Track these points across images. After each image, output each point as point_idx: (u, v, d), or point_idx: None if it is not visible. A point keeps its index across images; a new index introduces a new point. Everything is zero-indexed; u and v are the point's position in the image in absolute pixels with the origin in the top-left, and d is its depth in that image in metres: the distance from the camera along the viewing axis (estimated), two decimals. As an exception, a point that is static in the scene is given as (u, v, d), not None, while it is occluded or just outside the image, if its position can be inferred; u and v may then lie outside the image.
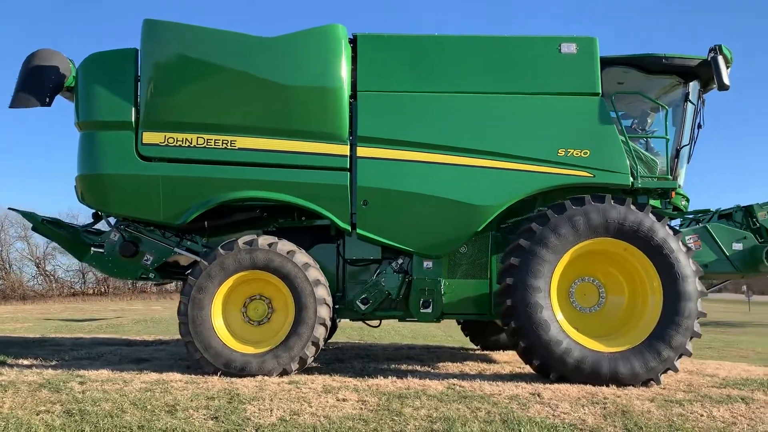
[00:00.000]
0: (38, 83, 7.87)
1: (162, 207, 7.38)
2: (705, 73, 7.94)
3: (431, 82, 7.61)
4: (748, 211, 8.17)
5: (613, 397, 6.10)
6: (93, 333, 14.69)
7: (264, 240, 7.04)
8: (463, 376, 7.40)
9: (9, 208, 8.77)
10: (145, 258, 7.77)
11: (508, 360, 9.03)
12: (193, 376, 6.71)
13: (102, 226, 9.03)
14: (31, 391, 5.78)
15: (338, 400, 5.81)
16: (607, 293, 7.34)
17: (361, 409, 5.58)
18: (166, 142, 7.40)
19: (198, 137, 7.40)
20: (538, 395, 6.14)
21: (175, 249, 7.78)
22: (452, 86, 7.60)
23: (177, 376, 6.67)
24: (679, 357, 6.81)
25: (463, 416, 5.42)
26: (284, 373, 6.88)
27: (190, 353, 6.93)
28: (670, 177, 7.82)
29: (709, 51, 7.66)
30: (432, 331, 16.11)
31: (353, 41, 7.68)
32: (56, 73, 7.99)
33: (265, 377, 6.76)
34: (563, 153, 7.46)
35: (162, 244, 7.79)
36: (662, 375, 6.81)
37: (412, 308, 7.65)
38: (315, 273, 7.04)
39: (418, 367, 8.20)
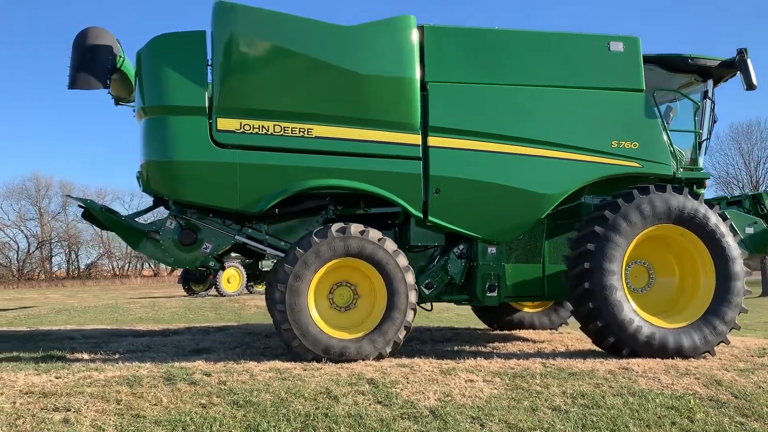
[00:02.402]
0: (97, 63, 7.50)
1: (239, 195, 7.25)
2: (722, 73, 8.80)
3: (495, 74, 7.91)
4: (756, 198, 9.13)
5: (693, 369, 6.76)
6: (15, 325, 13.93)
7: (355, 228, 7.11)
8: (538, 354, 7.84)
9: (67, 196, 8.22)
10: (204, 246, 7.61)
11: (535, 337, 9.60)
12: (293, 363, 6.69)
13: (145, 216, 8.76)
14: (166, 384, 5.61)
15: (467, 381, 6.07)
16: (656, 275, 8.03)
17: (496, 388, 5.89)
18: (242, 129, 7.26)
19: (275, 125, 7.31)
20: (627, 369, 6.69)
21: (236, 237, 7.67)
22: (515, 79, 7.94)
23: (282, 364, 6.63)
24: (730, 330, 7.61)
25: (594, 391, 5.86)
26: (379, 357, 7.02)
27: (287, 341, 6.91)
28: (697, 168, 8.64)
29: (738, 53, 8.47)
30: (440, 314, 16.41)
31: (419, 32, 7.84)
32: (111, 53, 7.63)
33: (362, 362, 6.87)
34: (616, 144, 8.04)
35: (222, 232, 7.65)
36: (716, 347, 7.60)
37: (478, 292, 7.98)
38: (404, 259, 7.21)
39: (481, 348, 8.56)
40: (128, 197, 73.14)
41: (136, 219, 8.23)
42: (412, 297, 7.15)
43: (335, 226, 7.08)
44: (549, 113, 7.94)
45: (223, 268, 27.67)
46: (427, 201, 7.62)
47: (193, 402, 5.20)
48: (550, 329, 10.70)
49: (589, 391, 5.85)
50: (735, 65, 8.55)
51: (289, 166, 7.32)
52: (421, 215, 7.64)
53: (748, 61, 8.33)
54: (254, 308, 23.58)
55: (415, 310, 7.23)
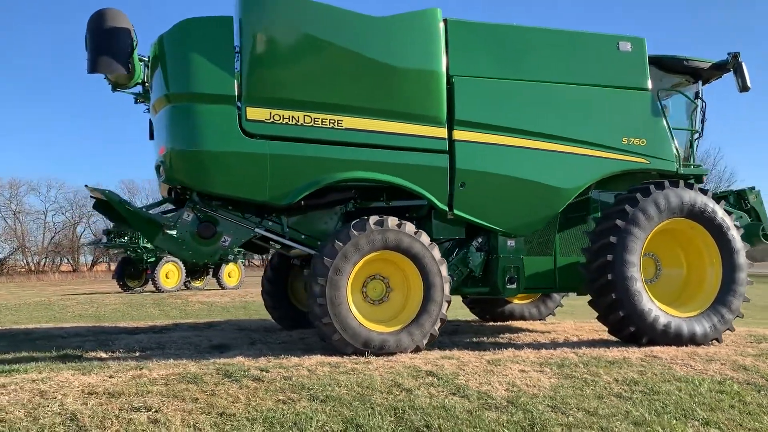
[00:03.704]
0: (117, 47, 7.13)
1: (268, 186, 7.09)
2: (711, 75, 9.30)
3: (516, 70, 8.07)
4: (740, 194, 9.69)
5: (715, 356, 7.12)
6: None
7: (392, 221, 7.09)
8: (556, 344, 8.05)
9: (85, 186, 7.72)
10: (223, 239, 7.40)
11: (535, 328, 9.84)
12: (338, 357, 6.60)
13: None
14: (231, 382, 5.42)
15: (520, 371, 6.18)
16: (663, 266, 8.40)
17: (552, 378, 6.03)
18: (271, 119, 7.09)
19: (305, 115, 7.18)
20: (656, 357, 6.99)
21: (256, 230, 7.51)
22: (535, 75, 8.13)
23: (327, 358, 6.53)
24: (734, 318, 8.06)
25: (643, 378, 6.09)
26: (417, 349, 7.03)
27: (327, 335, 6.81)
28: (694, 165, 9.10)
29: (732, 57, 8.94)
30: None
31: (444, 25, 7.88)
32: (130, 37, 7.29)
33: (406, 354, 6.86)
34: (626, 141, 8.36)
35: (241, 224, 7.46)
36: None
37: (499, 284, 8.10)
38: (438, 252, 7.24)
39: (497, 339, 8.73)
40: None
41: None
42: (447, 289, 7.20)
43: (372, 219, 7.03)
44: (567, 110, 8.16)
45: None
46: (452, 194, 7.68)
47: (272, 399, 5.07)
48: (539, 320, 11.01)
49: (639, 378, 6.08)
50: (727, 68, 9.04)
51: (319, 158, 7.21)
52: (447, 208, 7.69)
53: (743, 64, 8.82)
54: (198, 305, 23.07)
55: (449, 302, 7.28)
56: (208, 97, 6.99)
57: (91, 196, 7.74)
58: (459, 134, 7.70)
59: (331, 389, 5.28)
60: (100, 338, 8.77)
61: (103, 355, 7.28)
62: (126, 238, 28.17)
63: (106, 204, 7.63)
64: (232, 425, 4.52)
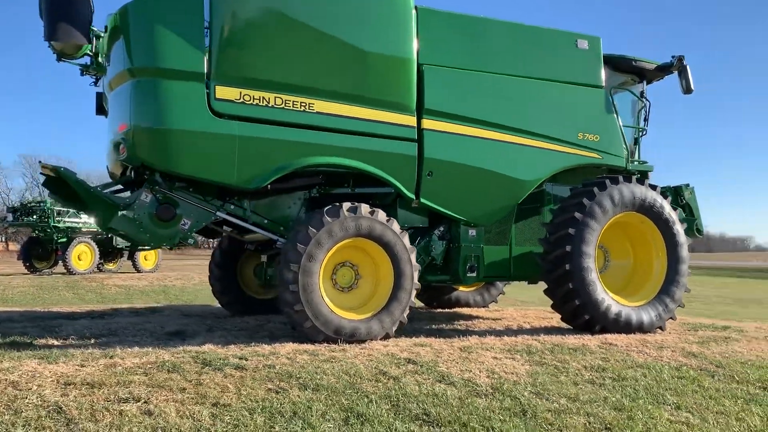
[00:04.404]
0: (77, 14, 6.70)
1: (236, 169, 6.89)
2: (655, 76, 9.76)
3: (482, 62, 8.18)
4: (677, 191, 10.22)
5: (664, 343, 7.50)
6: None
7: (365, 208, 7.04)
8: (521, 331, 8.23)
9: (40, 162, 7.15)
10: (183, 222, 7.16)
11: (483, 315, 10.07)
12: (312, 345, 6.52)
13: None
14: (214, 371, 5.26)
15: (493, 358, 6.31)
16: (611, 258, 8.78)
17: (525, 365, 6.19)
18: (241, 99, 6.89)
19: (276, 97, 7.02)
20: (612, 344, 7.31)
21: (217, 213, 7.31)
22: (501, 68, 8.27)
23: (302, 346, 6.43)
24: (677, 307, 8.53)
25: (608, 365, 6.35)
26: (386, 336, 7.05)
27: (298, 322, 6.71)
28: (639, 161, 9.54)
29: (677, 60, 9.39)
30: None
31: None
32: (89, 6, 6.89)
33: (380, 342, 6.87)
34: (581, 136, 8.66)
35: (202, 207, 7.24)
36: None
37: (460, 272, 8.24)
38: (408, 240, 7.26)
39: (455, 326, 8.85)
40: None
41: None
42: (416, 277, 7.24)
43: (346, 206, 6.97)
44: (528, 103, 8.36)
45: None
46: (419, 183, 7.72)
47: (261, 388, 4.96)
48: (483, 307, 11.28)
49: (605, 365, 6.34)
50: (671, 70, 9.50)
51: (290, 141, 7.07)
52: (414, 197, 7.72)
53: (688, 67, 9.28)
54: (115, 288, 22.29)
55: (418, 290, 7.33)
56: (176, 73, 6.70)
57: (41, 173, 7.28)
58: (427, 123, 7.74)
59: (320, 378, 5.22)
60: (40, 324, 8.28)
61: (56, 342, 6.90)
62: (35, 216, 26.69)
63: (58, 181, 7.20)
64: (231, 416, 4.39)
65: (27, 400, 4.36)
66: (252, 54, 6.94)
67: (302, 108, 7.11)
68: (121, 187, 7.96)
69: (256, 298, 9.84)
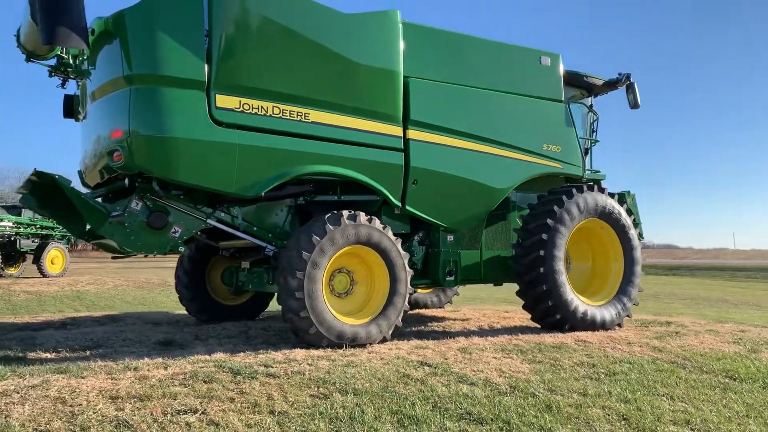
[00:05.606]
0: (76, 18, 6.51)
1: (236, 177, 6.94)
2: (602, 90, 10.54)
3: (460, 76, 8.60)
4: (621, 197, 11.00)
5: (630, 339, 8.18)
6: None
7: (363, 216, 7.26)
8: (497, 331, 8.68)
9: (36, 170, 6.75)
10: (173, 230, 7.14)
11: (447, 316, 10.49)
12: (320, 351, 6.68)
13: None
14: (247, 379, 5.34)
15: (494, 358, 6.71)
16: (572, 261, 9.41)
17: (524, 363, 6.62)
18: (241, 108, 6.95)
19: (273, 106, 7.13)
20: (586, 342, 7.90)
21: (208, 221, 7.34)
22: (477, 82, 8.72)
23: (314, 351, 6.57)
24: (632, 305, 9.26)
25: (596, 361, 6.89)
26: (383, 340, 7.30)
27: (303, 328, 6.82)
28: (592, 170, 10.26)
29: (625, 77, 10.18)
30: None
31: None
32: (83, 9, 6.71)
33: (381, 345, 7.12)
34: (546, 147, 9.26)
35: (193, 215, 7.24)
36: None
37: (440, 277, 8.61)
38: (401, 246, 7.53)
39: (431, 327, 9.18)
40: None
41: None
42: (409, 283, 7.53)
43: (345, 214, 7.15)
44: (501, 116, 8.86)
45: None
46: (405, 191, 8.02)
47: (304, 394, 5.10)
48: (439, 307, 11.72)
49: (591, 361, 6.87)
50: (617, 86, 10.29)
51: (287, 150, 7.19)
52: (400, 204, 8.01)
53: (635, 84, 10.08)
54: (24, 294, 21.15)
55: (412, 294, 7.61)
56: (177, 81, 6.66)
57: (29, 180, 7.00)
58: (413, 134, 8.05)
59: (355, 382, 5.41)
60: (11, 336, 7.93)
61: (49, 355, 6.67)
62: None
63: (36, 188, 7.00)
64: (294, 423, 4.52)
65: (86, 416, 4.31)
66: (251, 62, 7.00)
67: (299, 117, 7.24)
68: (99, 193, 7.80)
69: (224, 304, 9.80)
